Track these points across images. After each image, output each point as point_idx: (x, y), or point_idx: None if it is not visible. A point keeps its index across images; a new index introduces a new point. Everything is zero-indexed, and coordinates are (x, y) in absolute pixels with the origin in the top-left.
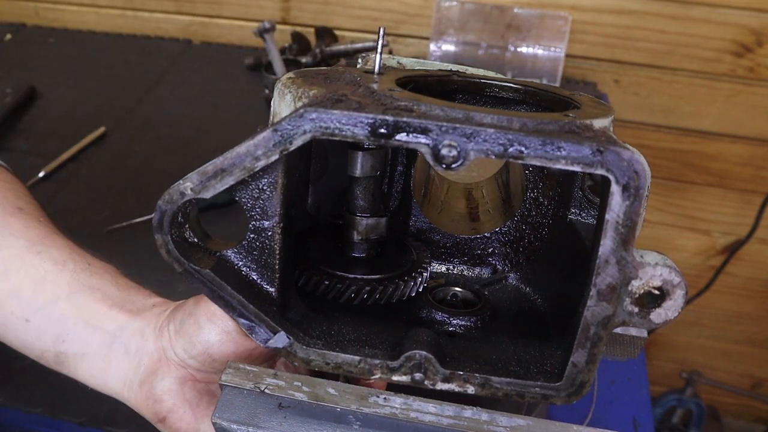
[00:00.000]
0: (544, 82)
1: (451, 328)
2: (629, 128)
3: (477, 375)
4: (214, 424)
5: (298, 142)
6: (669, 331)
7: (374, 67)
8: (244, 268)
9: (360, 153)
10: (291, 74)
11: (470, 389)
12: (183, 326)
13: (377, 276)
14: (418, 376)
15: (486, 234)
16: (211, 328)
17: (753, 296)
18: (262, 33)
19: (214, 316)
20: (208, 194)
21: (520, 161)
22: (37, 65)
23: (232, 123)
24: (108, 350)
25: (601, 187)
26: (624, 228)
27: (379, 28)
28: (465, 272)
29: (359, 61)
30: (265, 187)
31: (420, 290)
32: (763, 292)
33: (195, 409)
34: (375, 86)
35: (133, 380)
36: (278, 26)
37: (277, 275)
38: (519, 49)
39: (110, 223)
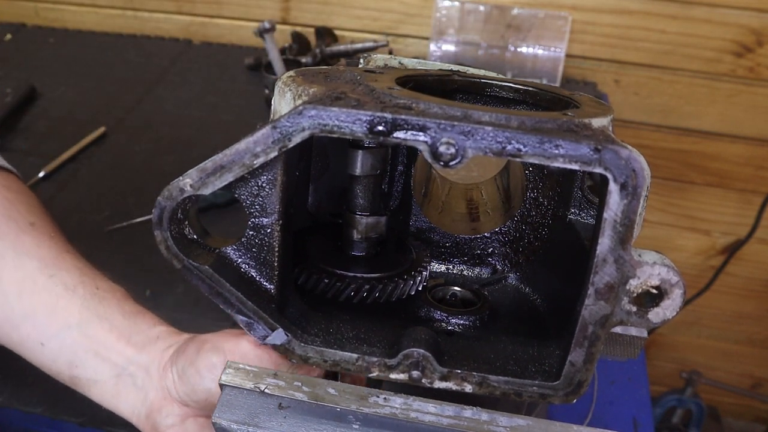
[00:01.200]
0: (544, 82)
1: (449, 327)
2: (629, 128)
3: (474, 373)
4: (214, 424)
5: (296, 139)
6: (669, 331)
7: (375, 67)
8: (243, 265)
9: (360, 151)
10: (291, 73)
11: (468, 388)
12: (185, 374)
13: (377, 274)
14: (415, 374)
15: (486, 234)
16: (213, 378)
17: (753, 296)
18: (262, 33)
19: (214, 368)
20: (207, 191)
21: (518, 159)
22: (37, 65)
23: (232, 123)
24: (117, 380)
25: (600, 185)
26: (622, 227)
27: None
28: (465, 272)
29: (361, 60)
30: (264, 184)
31: (419, 289)
32: (763, 292)
33: None
34: (374, 85)
35: (140, 411)
36: (278, 26)
37: (276, 272)
38: (519, 49)
39: (110, 223)
